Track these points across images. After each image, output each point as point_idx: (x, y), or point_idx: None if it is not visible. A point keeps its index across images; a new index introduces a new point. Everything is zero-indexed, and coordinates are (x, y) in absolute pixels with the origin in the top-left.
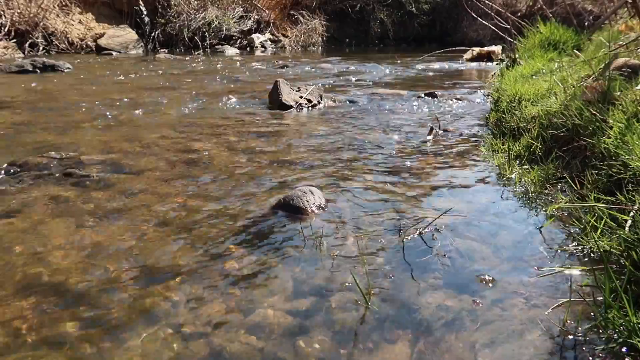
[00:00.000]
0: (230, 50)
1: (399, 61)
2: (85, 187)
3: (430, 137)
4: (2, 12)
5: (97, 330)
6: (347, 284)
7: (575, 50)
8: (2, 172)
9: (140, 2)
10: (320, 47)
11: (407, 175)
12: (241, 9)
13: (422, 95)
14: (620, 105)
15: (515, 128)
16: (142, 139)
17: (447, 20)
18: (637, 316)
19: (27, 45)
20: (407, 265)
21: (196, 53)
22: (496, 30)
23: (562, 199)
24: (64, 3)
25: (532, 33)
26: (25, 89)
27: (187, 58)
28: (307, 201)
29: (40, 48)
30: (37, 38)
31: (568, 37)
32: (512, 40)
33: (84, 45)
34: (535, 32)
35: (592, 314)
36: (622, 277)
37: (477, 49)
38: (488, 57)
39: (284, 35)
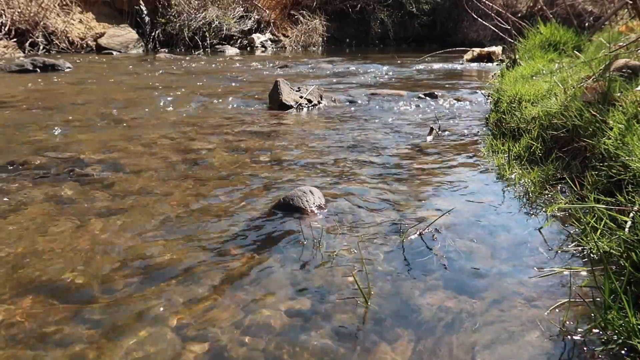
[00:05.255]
0: (231, 50)
1: (399, 61)
2: (85, 186)
3: (430, 138)
4: (2, 12)
5: (97, 330)
6: (347, 284)
7: (575, 51)
8: (2, 171)
9: (141, 2)
10: (320, 47)
11: (406, 175)
12: (241, 9)
13: (422, 96)
14: (620, 106)
15: (515, 129)
16: (142, 139)
17: (448, 20)
18: (637, 317)
19: (27, 44)
20: (407, 265)
21: (196, 53)
22: (496, 30)
23: (562, 199)
24: (64, 2)
25: (533, 34)
26: (25, 89)
27: (187, 58)
28: (307, 201)
29: (41, 47)
30: (37, 37)
31: (568, 38)
32: (512, 40)
33: (84, 45)
34: (536, 33)
35: (591, 314)
36: (622, 278)
37: (477, 50)
38: (488, 57)
39: (284, 35)
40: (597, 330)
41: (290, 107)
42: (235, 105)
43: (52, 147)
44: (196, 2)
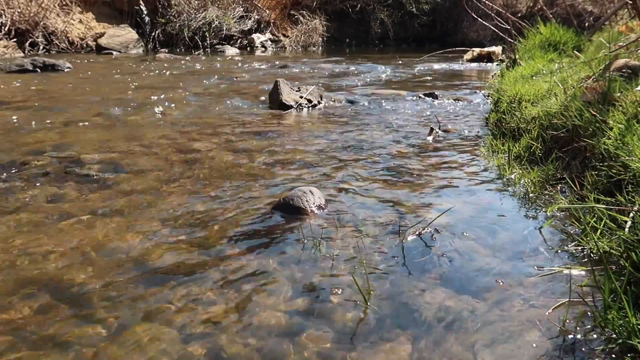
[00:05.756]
0: (231, 50)
1: (399, 61)
2: (85, 186)
3: (430, 138)
4: (2, 12)
5: (97, 330)
6: (346, 284)
7: (575, 51)
8: (2, 171)
9: (141, 2)
10: (320, 47)
11: (406, 175)
12: (241, 9)
13: (422, 96)
14: (620, 106)
15: (515, 129)
16: (142, 139)
17: (448, 20)
18: (637, 317)
19: (27, 44)
20: (407, 265)
21: (196, 53)
22: (496, 30)
23: (562, 199)
24: (64, 2)
25: (533, 34)
26: (25, 89)
27: (187, 58)
28: (307, 201)
29: (41, 47)
30: (37, 37)
31: (568, 38)
32: (512, 40)
33: (84, 45)
34: (536, 33)
35: (591, 314)
36: (622, 278)
37: (477, 50)
38: (488, 57)
39: (284, 35)
40: (597, 330)
41: (290, 107)
42: (235, 105)
43: (52, 147)
44: (196, 2)
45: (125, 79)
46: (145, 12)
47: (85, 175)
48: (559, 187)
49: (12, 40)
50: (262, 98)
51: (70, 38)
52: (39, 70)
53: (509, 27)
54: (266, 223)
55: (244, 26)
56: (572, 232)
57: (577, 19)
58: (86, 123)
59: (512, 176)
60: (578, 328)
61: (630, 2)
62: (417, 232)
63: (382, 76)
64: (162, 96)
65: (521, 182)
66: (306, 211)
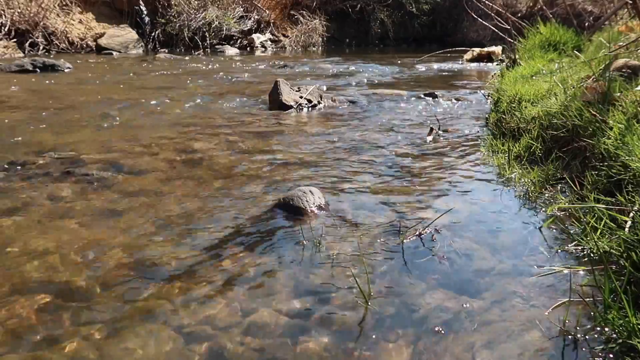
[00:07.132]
0: (231, 50)
1: (399, 61)
2: (84, 186)
3: (430, 138)
4: (2, 12)
5: (97, 330)
6: (346, 284)
7: (575, 51)
8: (2, 171)
9: (141, 2)
10: (320, 47)
11: (406, 175)
12: (241, 9)
13: (422, 96)
14: (620, 106)
15: (515, 129)
16: (142, 139)
17: (448, 20)
18: (637, 317)
19: (27, 44)
20: (407, 265)
21: (196, 53)
22: (496, 30)
23: (562, 199)
24: (64, 3)
25: (532, 34)
26: (25, 89)
27: (187, 58)
28: (306, 201)
29: (41, 47)
30: (37, 38)
31: (568, 38)
32: (512, 40)
33: (84, 45)
34: (536, 33)
35: (591, 314)
36: (622, 277)
37: (477, 50)
38: (488, 57)
39: (284, 35)
40: (597, 330)
41: (290, 107)
42: (235, 106)
43: (52, 147)
44: (196, 2)
45: (125, 79)
46: (145, 12)
47: (85, 175)
48: (559, 187)
49: (12, 40)
50: (262, 98)
51: (70, 38)
52: (39, 70)
53: (509, 27)
54: (266, 223)
55: (243, 26)
56: (572, 232)
57: (577, 19)
58: (86, 123)
59: (512, 176)
60: (578, 328)
61: (630, 2)
62: (417, 233)
63: (382, 76)
64: (162, 96)
65: (521, 182)
66: (306, 211)
